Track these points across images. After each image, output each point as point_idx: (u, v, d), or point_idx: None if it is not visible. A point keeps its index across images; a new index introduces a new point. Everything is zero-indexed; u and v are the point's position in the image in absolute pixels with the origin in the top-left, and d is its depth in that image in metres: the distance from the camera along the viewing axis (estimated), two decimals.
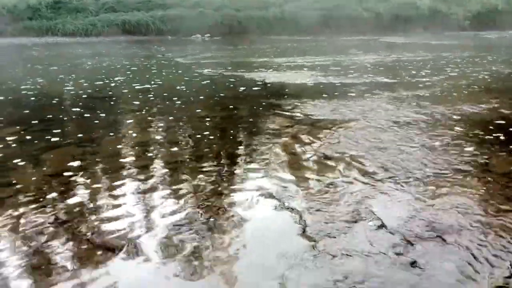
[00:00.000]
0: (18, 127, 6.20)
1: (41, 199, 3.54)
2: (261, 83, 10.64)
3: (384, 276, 2.34)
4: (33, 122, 6.53)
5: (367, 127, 5.69)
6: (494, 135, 5.15)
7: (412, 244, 2.67)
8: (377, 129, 5.57)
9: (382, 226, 2.91)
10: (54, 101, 8.46)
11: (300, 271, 2.42)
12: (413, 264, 2.45)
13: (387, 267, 2.42)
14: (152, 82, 11.47)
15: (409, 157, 4.34)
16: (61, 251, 2.71)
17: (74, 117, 7.16)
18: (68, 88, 10.20)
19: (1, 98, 8.65)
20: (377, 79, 10.70)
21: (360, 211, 3.16)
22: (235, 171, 4.18)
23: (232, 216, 3.17)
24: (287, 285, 2.29)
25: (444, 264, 2.44)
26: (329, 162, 4.30)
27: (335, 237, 2.79)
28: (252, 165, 4.33)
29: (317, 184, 3.73)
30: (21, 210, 3.33)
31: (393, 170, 3.98)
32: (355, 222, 2.99)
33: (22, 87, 9.91)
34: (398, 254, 2.56)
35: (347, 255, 2.56)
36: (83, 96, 9.13)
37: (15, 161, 4.54)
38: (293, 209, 3.24)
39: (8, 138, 5.50)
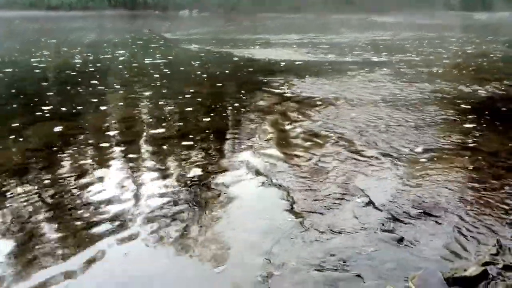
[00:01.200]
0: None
1: (24, 174, 3.45)
2: (249, 59, 10.50)
3: (372, 252, 2.32)
4: (18, 96, 6.36)
5: (356, 105, 5.65)
6: (483, 114, 5.14)
7: (399, 221, 2.65)
8: (366, 107, 5.53)
9: (370, 203, 2.89)
10: (30, 75, 8.25)
11: (286, 247, 2.39)
12: (401, 240, 2.43)
13: (375, 243, 2.40)
14: (139, 57, 11.25)
15: (398, 135, 4.32)
16: (46, 226, 2.64)
17: (57, 91, 6.99)
18: (42, 62, 9.95)
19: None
20: (366, 57, 10.64)
21: (348, 188, 3.14)
22: (222, 148, 4.12)
23: (219, 192, 3.11)
24: (273, 260, 2.26)
25: (432, 241, 2.43)
26: (318, 140, 4.26)
27: (322, 214, 2.75)
28: (240, 142, 4.27)
29: (305, 161, 3.69)
30: (5, 185, 3.23)
31: (382, 148, 3.95)
32: (343, 199, 2.96)
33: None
34: (385, 230, 2.54)
35: (334, 231, 2.54)
36: (66, 71, 8.91)
37: None
38: (280, 186, 3.20)
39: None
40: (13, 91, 6.83)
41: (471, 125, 4.67)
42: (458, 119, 4.94)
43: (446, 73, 8.26)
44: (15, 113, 5.37)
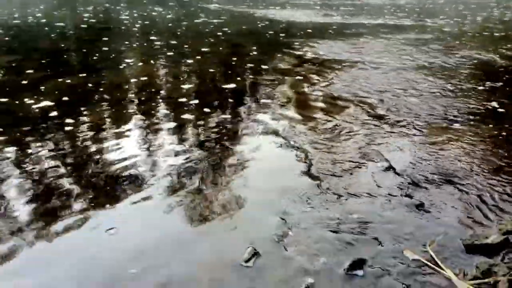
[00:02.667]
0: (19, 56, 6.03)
1: (42, 129, 3.46)
2: (270, 20, 10.26)
3: (390, 216, 2.27)
4: (33, 51, 6.35)
5: (378, 69, 5.49)
6: (507, 83, 4.95)
7: (419, 187, 2.59)
8: (388, 72, 5.37)
9: (389, 168, 2.83)
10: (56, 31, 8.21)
11: (303, 208, 2.36)
12: (420, 206, 2.38)
13: (394, 208, 2.36)
14: (155, 14, 11.08)
15: (421, 102, 4.19)
16: (62, 181, 2.65)
17: (75, 47, 6.95)
18: (64, 18, 9.87)
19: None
20: (390, 21, 10.29)
21: (367, 152, 3.07)
22: (240, 109, 4.06)
23: (237, 153, 3.08)
24: (289, 221, 2.23)
25: (452, 208, 2.37)
26: (338, 103, 4.16)
27: (340, 177, 2.70)
28: (258, 103, 4.20)
29: (324, 124, 3.62)
30: (22, 139, 3.25)
31: (404, 114, 3.85)
32: (362, 163, 2.90)
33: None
34: (405, 195, 2.49)
35: (352, 194, 2.49)
36: (82, 26, 8.84)
37: (14, 89, 4.42)
38: (298, 148, 3.15)
39: (7, 66, 5.36)
40: (39, 45, 6.82)
41: (498, 94, 4.50)
42: (485, 88, 4.76)
43: (477, 40, 7.94)
44: (35, 67, 5.35)
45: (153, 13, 11.70)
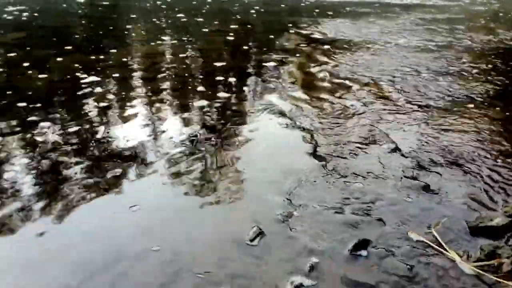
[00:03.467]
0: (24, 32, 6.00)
1: (49, 106, 3.47)
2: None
3: (395, 198, 2.27)
4: (39, 28, 6.32)
5: (387, 50, 5.43)
6: None
7: (425, 169, 2.58)
8: (397, 53, 5.31)
9: (396, 149, 2.81)
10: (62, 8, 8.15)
11: (308, 188, 2.36)
12: (426, 188, 2.37)
13: (399, 189, 2.35)
14: None
15: (429, 84, 4.14)
16: (68, 159, 2.67)
17: (82, 25, 6.91)
18: None
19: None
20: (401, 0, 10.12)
21: (373, 134, 3.05)
22: (246, 88, 4.04)
23: (242, 133, 3.08)
24: (294, 201, 2.24)
25: (458, 190, 2.36)
26: (345, 83, 4.13)
27: (346, 158, 2.70)
28: (264, 83, 4.18)
29: (330, 105, 3.60)
30: (29, 116, 3.26)
31: (412, 95, 3.81)
32: (368, 144, 2.89)
33: None
34: (410, 177, 2.48)
35: (357, 176, 2.49)
36: (92, 6, 8.77)
37: (22, 65, 4.42)
38: (304, 129, 3.14)
39: (14, 43, 5.34)
40: (40, 22, 6.78)
41: (506, 77, 4.44)
42: (494, 71, 4.69)
43: (492, 23, 7.80)
44: (41, 45, 5.33)
45: None
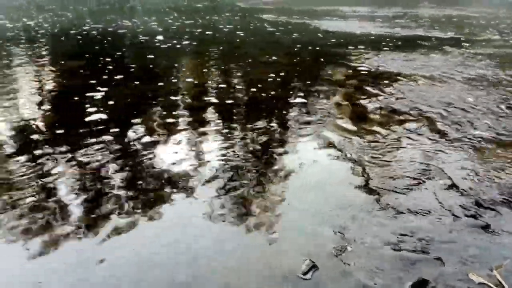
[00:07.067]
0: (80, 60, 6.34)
1: (95, 131, 3.61)
2: (323, 31, 10.22)
3: (454, 236, 2.19)
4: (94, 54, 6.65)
5: (436, 83, 5.33)
6: None
7: (485, 207, 2.48)
8: (447, 86, 5.20)
9: (452, 186, 2.72)
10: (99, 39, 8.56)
11: (361, 222, 2.32)
12: (486, 227, 2.27)
13: (457, 228, 2.27)
14: (212, 26, 11.33)
15: (484, 117, 4.02)
16: (112, 181, 2.75)
17: (132, 54, 7.22)
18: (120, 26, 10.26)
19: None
20: (446, 34, 9.97)
21: (428, 168, 2.97)
22: (293, 118, 4.05)
23: (290, 163, 3.07)
24: (347, 235, 2.20)
25: None
26: (396, 116, 4.07)
27: (400, 193, 2.64)
28: (312, 114, 4.18)
29: (382, 138, 3.55)
30: (78, 139, 3.40)
31: (466, 130, 3.71)
32: (423, 179, 2.81)
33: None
34: (469, 216, 2.39)
35: (413, 212, 2.42)
36: (138, 34, 9.18)
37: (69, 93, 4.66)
38: (355, 161, 3.10)
39: (72, 71, 5.65)
40: (95, 48, 7.15)
41: None
42: None
43: None
44: (89, 70, 5.61)
45: (211, 22, 11.98)
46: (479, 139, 3.51)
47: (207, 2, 17.72)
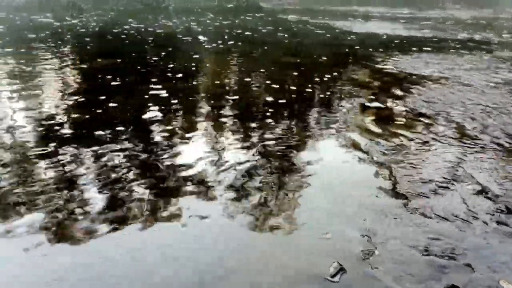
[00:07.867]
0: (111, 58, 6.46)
1: (116, 132, 3.67)
2: (347, 32, 10.16)
3: (484, 243, 2.16)
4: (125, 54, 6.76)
5: (464, 86, 5.25)
6: None
7: None
8: (476, 89, 5.11)
9: (482, 191, 2.69)
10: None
11: (389, 226, 2.31)
12: None
13: (487, 234, 2.24)
14: (235, 26, 11.38)
15: None
16: (136, 185, 2.78)
17: (157, 55, 7.32)
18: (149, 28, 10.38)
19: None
20: (473, 36, 9.79)
21: (457, 173, 2.94)
22: (319, 120, 4.05)
23: (317, 165, 3.07)
24: (374, 239, 2.19)
25: None
26: (423, 119, 4.03)
27: (428, 198, 2.61)
28: (338, 116, 4.17)
29: (409, 141, 3.52)
30: (97, 138, 3.46)
31: (495, 134, 3.64)
32: (452, 184, 2.78)
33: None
34: (499, 222, 2.35)
35: (442, 217, 2.40)
36: (162, 35, 9.29)
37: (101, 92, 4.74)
38: (382, 164, 3.08)
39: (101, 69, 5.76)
40: (122, 48, 7.27)
41: None
42: None
43: None
44: (114, 72, 5.71)
45: (246, 23, 12.05)
46: (509, 144, 3.45)
47: (235, 2, 17.79)
